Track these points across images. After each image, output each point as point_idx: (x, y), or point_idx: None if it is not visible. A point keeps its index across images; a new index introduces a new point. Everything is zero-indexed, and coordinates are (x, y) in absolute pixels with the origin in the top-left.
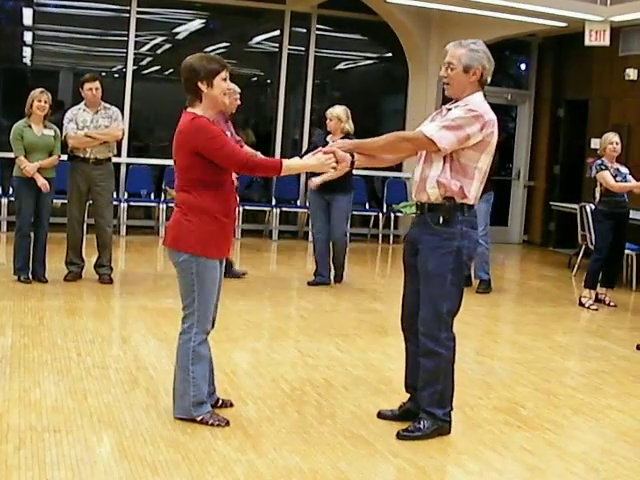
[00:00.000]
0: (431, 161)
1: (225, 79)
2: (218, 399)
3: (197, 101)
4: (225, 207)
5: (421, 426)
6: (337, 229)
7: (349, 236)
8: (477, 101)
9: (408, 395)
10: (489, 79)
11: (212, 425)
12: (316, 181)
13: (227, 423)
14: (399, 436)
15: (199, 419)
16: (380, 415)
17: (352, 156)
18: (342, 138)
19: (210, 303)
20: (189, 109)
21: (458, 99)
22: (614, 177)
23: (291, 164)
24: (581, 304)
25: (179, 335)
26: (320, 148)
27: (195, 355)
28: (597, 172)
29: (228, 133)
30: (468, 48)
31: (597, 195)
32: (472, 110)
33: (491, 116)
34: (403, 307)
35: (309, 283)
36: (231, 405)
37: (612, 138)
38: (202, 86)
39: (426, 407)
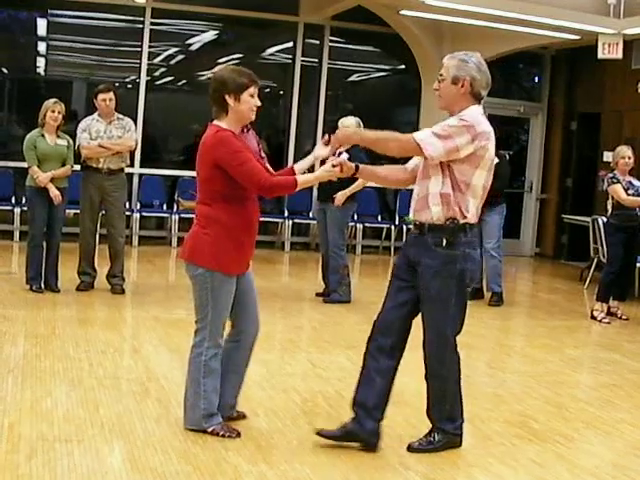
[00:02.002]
0: (429, 177)
1: (253, 95)
2: (235, 413)
3: (223, 114)
4: (245, 222)
5: (432, 439)
6: (327, 241)
7: (360, 249)
8: (471, 113)
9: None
10: (483, 92)
11: (223, 436)
12: (340, 198)
13: (238, 434)
14: (410, 449)
15: (210, 430)
16: (320, 434)
17: (357, 167)
18: (352, 148)
19: (223, 317)
20: (215, 122)
21: (452, 113)
22: (626, 190)
23: (304, 180)
24: (593, 317)
25: (191, 348)
26: (331, 158)
27: (207, 369)
28: (609, 185)
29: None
30: (458, 59)
31: (609, 208)
32: (464, 120)
33: (485, 128)
34: (378, 320)
35: (317, 294)
36: (244, 417)
37: (625, 152)
38: (229, 99)
39: (437, 423)
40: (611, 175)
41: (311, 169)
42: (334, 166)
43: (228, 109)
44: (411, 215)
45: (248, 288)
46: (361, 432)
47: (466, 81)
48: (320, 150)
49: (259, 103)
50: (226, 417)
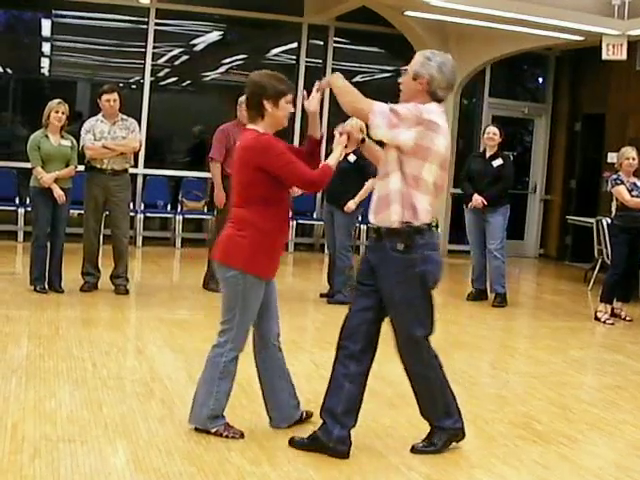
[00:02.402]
0: (388, 174)
1: (289, 102)
2: (302, 412)
3: (259, 118)
4: (280, 226)
5: (434, 441)
6: (334, 242)
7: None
8: (428, 107)
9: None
10: (441, 93)
11: (227, 437)
12: (350, 206)
13: (242, 435)
14: (413, 451)
15: (213, 431)
16: (291, 443)
17: (363, 139)
18: (356, 150)
19: (250, 322)
20: (250, 125)
21: None
22: (630, 192)
23: (333, 162)
24: (597, 318)
25: (212, 347)
26: (337, 130)
27: (225, 370)
28: (613, 187)
29: None
30: (424, 56)
31: (613, 209)
32: (416, 106)
33: (435, 119)
34: (344, 326)
35: (322, 295)
36: (311, 415)
37: (629, 153)
38: (267, 105)
39: (435, 422)
40: (615, 176)
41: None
42: (341, 135)
43: (265, 114)
44: (370, 218)
45: (272, 290)
46: (328, 439)
47: (424, 79)
48: (308, 105)
49: (293, 110)
50: (294, 421)
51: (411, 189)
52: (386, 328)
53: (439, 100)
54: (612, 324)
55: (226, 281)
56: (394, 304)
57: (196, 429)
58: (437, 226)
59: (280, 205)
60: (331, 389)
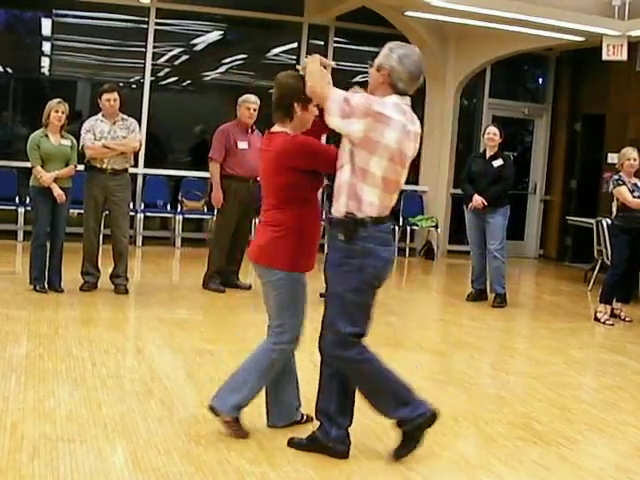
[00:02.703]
0: (342, 165)
1: (315, 105)
2: (302, 415)
3: (287, 120)
4: (315, 224)
5: (405, 438)
6: None
7: None
8: (383, 100)
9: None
10: (402, 85)
11: (231, 432)
12: None
13: (245, 436)
14: (396, 458)
15: (226, 419)
16: (290, 443)
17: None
18: None
19: (302, 318)
20: (279, 127)
21: None
22: (631, 192)
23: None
24: (597, 319)
25: (270, 343)
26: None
27: (272, 367)
28: (614, 187)
29: (245, 144)
30: (388, 48)
31: (614, 210)
32: (368, 98)
33: (386, 112)
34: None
35: (322, 295)
36: (311, 420)
37: (630, 153)
38: (297, 107)
39: (392, 416)
40: (617, 177)
41: None
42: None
43: (294, 116)
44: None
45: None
46: (327, 440)
47: (385, 70)
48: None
49: (317, 112)
50: (293, 421)
51: (358, 181)
52: (383, 329)
53: (401, 92)
54: (612, 325)
55: (274, 284)
56: (328, 293)
57: (210, 408)
58: (437, 226)
59: (314, 203)
60: (321, 390)
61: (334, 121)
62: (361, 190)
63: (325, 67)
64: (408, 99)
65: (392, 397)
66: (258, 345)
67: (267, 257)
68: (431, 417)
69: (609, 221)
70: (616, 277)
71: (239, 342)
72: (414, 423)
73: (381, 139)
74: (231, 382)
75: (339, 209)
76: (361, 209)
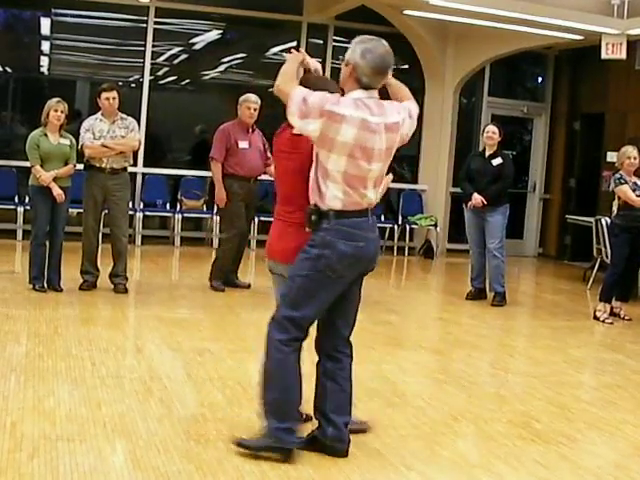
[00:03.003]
0: (313, 162)
1: None
2: (302, 414)
3: None
4: None
5: (256, 439)
6: None
7: None
8: (344, 97)
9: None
10: (365, 79)
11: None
12: None
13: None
14: (237, 442)
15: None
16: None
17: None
18: None
19: None
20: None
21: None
22: (633, 191)
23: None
24: (596, 318)
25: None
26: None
27: None
28: (616, 186)
29: (246, 144)
30: (354, 42)
31: (615, 209)
32: (323, 97)
33: (338, 110)
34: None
35: None
36: (310, 418)
37: (630, 152)
38: None
39: (264, 416)
40: (618, 176)
41: None
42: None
43: None
44: None
45: None
46: (325, 439)
47: (350, 65)
48: None
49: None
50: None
51: (320, 177)
52: (382, 328)
53: (366, 87)
54: (611, 323)
55: None
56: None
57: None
58: (436, 225)
59: None
60: (317, 389)
61: (293, 121)
62: (324, 185)
63: (309, 69)
64: (374, 92)
65: (268, 403)
66: None
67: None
68: (283, 453)
69: (608, 220)
70: (616, 276)
71: (238, 341)
72: (272, 437)
73: (337, 137)
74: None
75: (310, 201)
76: (324, 202)
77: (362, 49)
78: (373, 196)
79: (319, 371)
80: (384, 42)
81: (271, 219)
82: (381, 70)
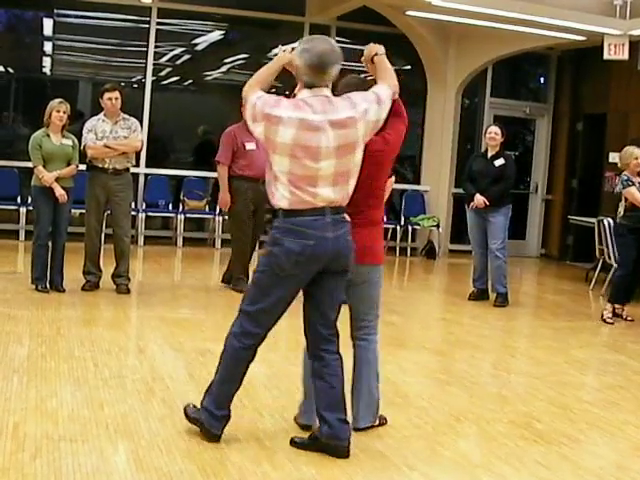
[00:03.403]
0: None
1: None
2: None
3: None
4: None
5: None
6: None
7: None
8: (278, 100)
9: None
10: (307, 78)
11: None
12: None
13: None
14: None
15: (377, 424)
16: (292, 443)
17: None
18: None
19: None
20: None
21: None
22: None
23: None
24: (603, 318)
25: (375, 344)
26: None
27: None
28: (624, 187)
29: (253, 145)
30: (297, 43)
31: (621, 210)
32: (264, 101)
33: (273, 112)
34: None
35: None
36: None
37: (637, 153)
38: None
39: (204, 399)
40: (625, 177)
41: None
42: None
43: None
44: None
45: None
46: (320, 438)
47: (293, 66)
48: None
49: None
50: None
51: (271, 177)
52: (385, 328)
53: (310, 86)
54: (612, 323)
55: (378, 281)
56: None
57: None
58: (438, 226)
59: None
60: (315, 390)
61: (249, 124)
62: (274, 185)
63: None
64: (322, 90)
65: (216, 394)
66: (362, 350)
67: (372, 256)
68: (209, 436)
69: (611, 220)
70: (625, 277)
71: None
72: (202, 418)
73: (276, 138)
74: (365, 397)
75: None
76: (275, 202)
77: (300, 50)
78: (333, 194)
79: (312, 372)
80: (328, 40)
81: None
82: (319, 68)
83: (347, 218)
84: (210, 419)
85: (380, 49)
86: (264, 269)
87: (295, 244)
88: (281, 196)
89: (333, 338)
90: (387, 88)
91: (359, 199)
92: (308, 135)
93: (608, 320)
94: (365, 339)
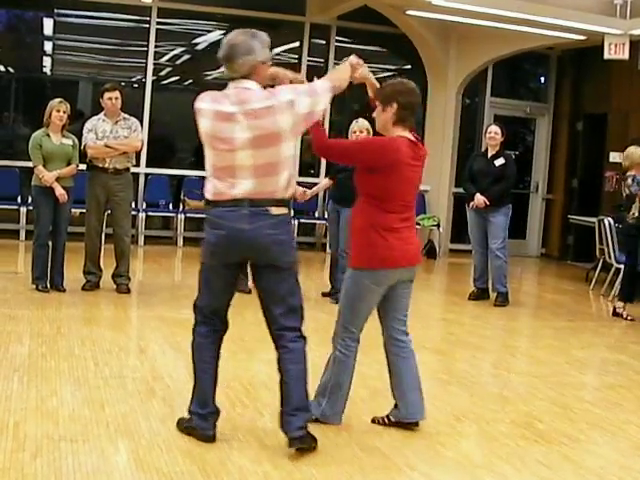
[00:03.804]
0: None
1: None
2: None
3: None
4: None
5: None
6: (338, 241)
7: None
8: (203, 94)
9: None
10: (225, 71)
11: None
12: (307, 192)
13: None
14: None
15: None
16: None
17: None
18: None
19: None
20: (403, 133)
21: None
22: None
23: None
24: (616, 314)
25: (410, 344)
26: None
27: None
28: (639, 189)
29: None
30: None
31: (635, 212)
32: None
33: (196, 105)
34: None
35: (324, 294)
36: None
37: None
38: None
39: (191, 404)
40: (639, 178)
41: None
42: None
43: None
44: None
45: None
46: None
47: None
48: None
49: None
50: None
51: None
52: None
53: (229, 78)
54: (632, 320)
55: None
56: None
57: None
58: (438, 225)
59: None
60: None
61: None
62: (206, 178)
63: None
64: (242, 82)
65: (195, 391)
66: (405, 349)
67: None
68: (203, 438)
69: (611, 220)
70: (634, 268)
71: (240, 342)
72: (192, 423)
73: (200, 129)
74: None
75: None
76: (205, 194)
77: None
78: (254, 186)
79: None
80: (241, 32)
81: None
82: (227, 58)
83: (274, 211)
84: (199, 421)
85: (352, 58)
86: (201, 259)
87: (211, 235)
88: (207, 189)
89: (283, 333)
90: (326, 81)
91: (412, 202)
92: (222, 126)
93: (623, 314)
94: (406, 332)
